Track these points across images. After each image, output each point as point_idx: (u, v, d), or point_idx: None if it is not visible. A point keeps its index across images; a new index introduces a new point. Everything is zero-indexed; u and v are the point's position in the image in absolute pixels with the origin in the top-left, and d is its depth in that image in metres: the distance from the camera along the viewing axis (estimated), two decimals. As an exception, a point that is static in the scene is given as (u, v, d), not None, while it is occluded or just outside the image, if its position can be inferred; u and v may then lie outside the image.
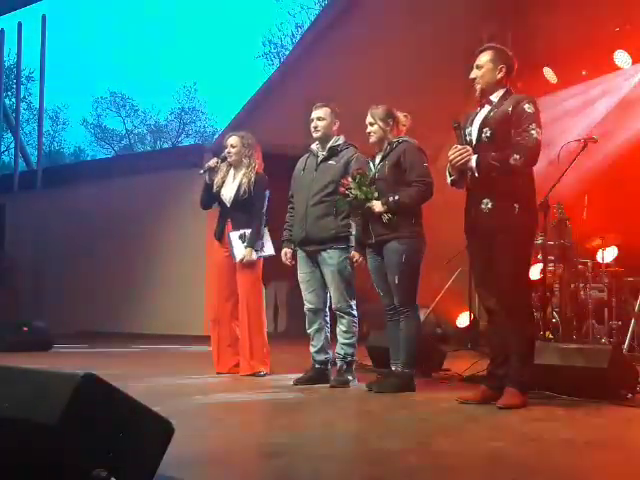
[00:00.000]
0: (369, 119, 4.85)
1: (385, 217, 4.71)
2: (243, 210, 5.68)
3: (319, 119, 5.19)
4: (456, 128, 4.17)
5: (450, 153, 4.10)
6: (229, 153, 5.76)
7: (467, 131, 4.20)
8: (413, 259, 4.75)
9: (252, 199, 5.67)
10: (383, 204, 4.70)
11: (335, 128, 5.23)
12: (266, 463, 2.83)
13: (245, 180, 5.67)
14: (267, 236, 5.74)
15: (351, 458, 2.92)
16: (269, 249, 5.71)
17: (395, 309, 4.81)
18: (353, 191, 4.72)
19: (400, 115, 4.93)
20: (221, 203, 5.84)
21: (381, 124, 4.82)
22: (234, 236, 5.66)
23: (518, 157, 3.92)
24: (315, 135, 5.21)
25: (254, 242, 5.63)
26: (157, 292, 11.81)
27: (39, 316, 11.31)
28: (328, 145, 5.20)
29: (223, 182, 5.77)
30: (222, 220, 5.83)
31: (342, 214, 5.09)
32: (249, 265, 5.63)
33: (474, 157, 4.02)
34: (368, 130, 4.87)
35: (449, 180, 4.23)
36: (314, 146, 5.29)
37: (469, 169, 4.06)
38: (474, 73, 4.20)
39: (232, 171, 5.79)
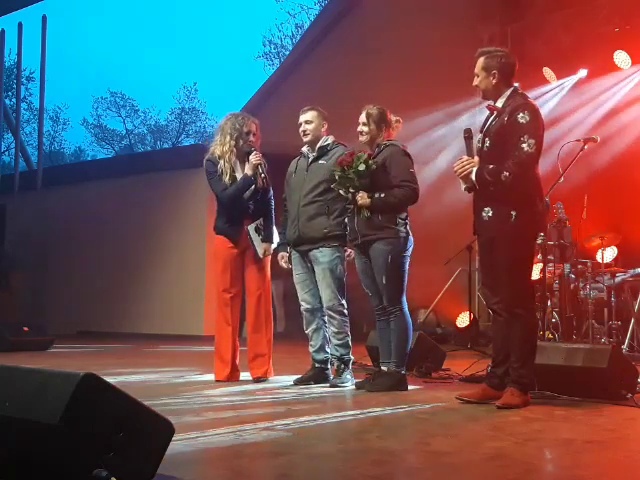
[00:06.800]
0: (363, 118, 4.87)
1: (364, 213, 4.73)
2: (259, 199, 5.33)
3: (307, 122, 5.20)
4: (466, 137, 4.21)
5: (454, 165, 4.17)
6: (252, 141, 5.32)
7: (478, 138, 4.25)
8: (399, 259, 4.77)
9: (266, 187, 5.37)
10: (368, 197, 4.71)
11: (323, 130, 5.24)
12: (266, 462, 2.83)
13: (261, 168, 5.26)
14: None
15: (351, 458, 2.92)
16: (276, 237, 5.41)
17: (384, 309, 4.83)
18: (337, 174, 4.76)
19: (393, 119, 4.94)
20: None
21: (374, 126, 4.85)
22: (251, 229, 5.26)
23: (507, 174, 3.98)
24: (305, 139, 5.23)
25: (272, 235, 5.34)
26: (157, 292, 11.81)
27: (39, 316, 11.34)
28: (317, 145, 5.22)
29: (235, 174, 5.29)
30: (236, 214, 5.31)
31: (334, 213, 5.09)
32: (261, 262, 5.33)
33: (474, 169, 4.08)
34: (360, 129, 4.89)
35: (463, 188, 4.25)
36: (305, 148, 5.32)
37: (471, 181, 4.10)
38: (475, 81, 4.27)
39: (235, 159, 5.31)
